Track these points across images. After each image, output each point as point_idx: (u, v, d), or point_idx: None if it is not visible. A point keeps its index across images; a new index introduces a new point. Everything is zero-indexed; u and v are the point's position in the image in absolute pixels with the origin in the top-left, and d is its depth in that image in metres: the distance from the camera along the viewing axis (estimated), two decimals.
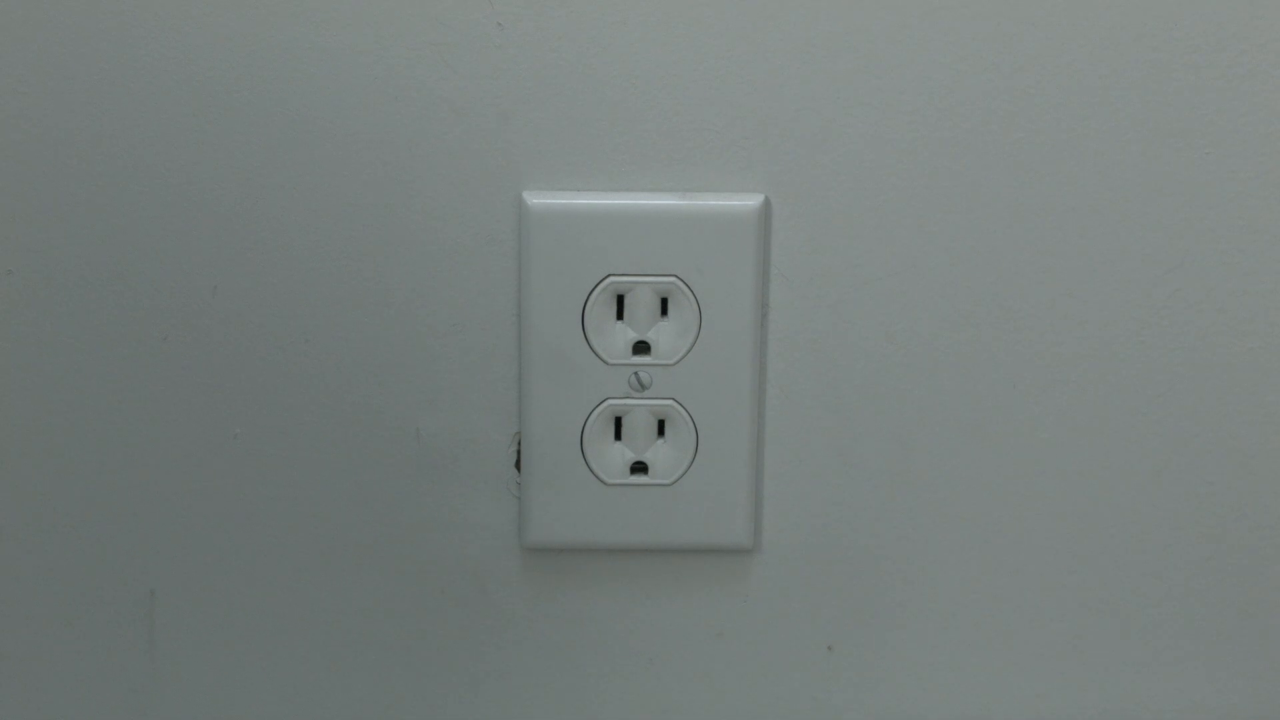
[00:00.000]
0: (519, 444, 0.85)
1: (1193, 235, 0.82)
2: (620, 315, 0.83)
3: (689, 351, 0.83)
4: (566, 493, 0.85)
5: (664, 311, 0.83)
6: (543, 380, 0.83)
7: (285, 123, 0.81)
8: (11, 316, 0.83)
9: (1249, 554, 0.87)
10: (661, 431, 0.84)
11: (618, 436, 0.84)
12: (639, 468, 0.85)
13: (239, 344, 0.83)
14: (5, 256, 0.82)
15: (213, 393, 0.84)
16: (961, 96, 0.81)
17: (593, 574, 0.87)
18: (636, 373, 0.83)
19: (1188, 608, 0.87)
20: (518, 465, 0.85)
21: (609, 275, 0.82)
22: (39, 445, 0.85)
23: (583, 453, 0.84)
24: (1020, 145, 0.81)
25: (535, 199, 0.81)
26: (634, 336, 0.83)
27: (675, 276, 0.82)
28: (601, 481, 0.84)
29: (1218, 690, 0.89)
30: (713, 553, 0.87)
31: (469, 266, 0.83)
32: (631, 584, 0.87)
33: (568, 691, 0.89)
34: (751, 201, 0.82)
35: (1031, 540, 0.86)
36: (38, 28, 0.79)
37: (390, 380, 0.84)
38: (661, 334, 0.83)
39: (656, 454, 0.84)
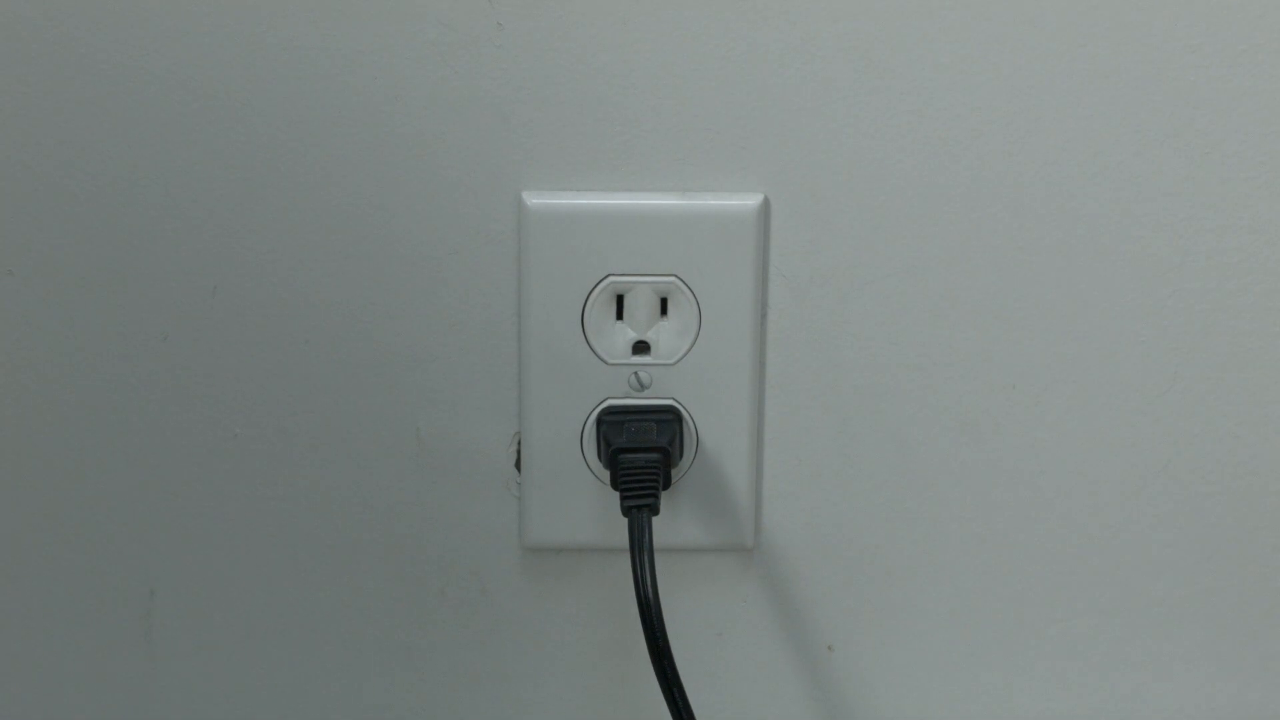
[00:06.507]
0: (519, 444, 0.85)
1: (1193, 235, 0.82)
2: (620, 315, 0.83)
3: (689, 351, 0.83)
4: (566, 493, 0.85)
5: (664, 311, 0.83)
6: (543, 380, 0.83)
7: (285, 123, 0.81)
8: (11, 316, 0.83)
9: (1249, 554, 0.87)
10: None
11: None
12: None
13: (239, 344, 0.83)
14: (5, 256, 0.82)
15: (213, 392, 0.84)
16: (961, 96, 0.80)
17: (593, 574, 0.87)
18: (636, 373, 0.83)
19: (1188, 608, 0.87)
20: (518, 465, 0.85)
21: (609, 275, 0.82)
22: (39, 445, 0.85)
23: (582, 453, 0.84)
24: (1020, 145, 0.81)
25: (535, 199, 0.81)
26: (634, 336, 0.83)
27: (675, 276, 0.82)
28: (601, 481, 0.84)
29: (1218, 690, 0.89)
30: (713, 553, 0.87)
31: (469, 266, 0.83)
32: (631, 584, 0.86)
33: (568, 691, 0.89)
34: (751, 201, 0.82)
35: (1031, 540, 0.86)
36: (38, 27, 0.79)
37: (390, 380, 0.84)
38: (661, 334, 0.83)
39: None
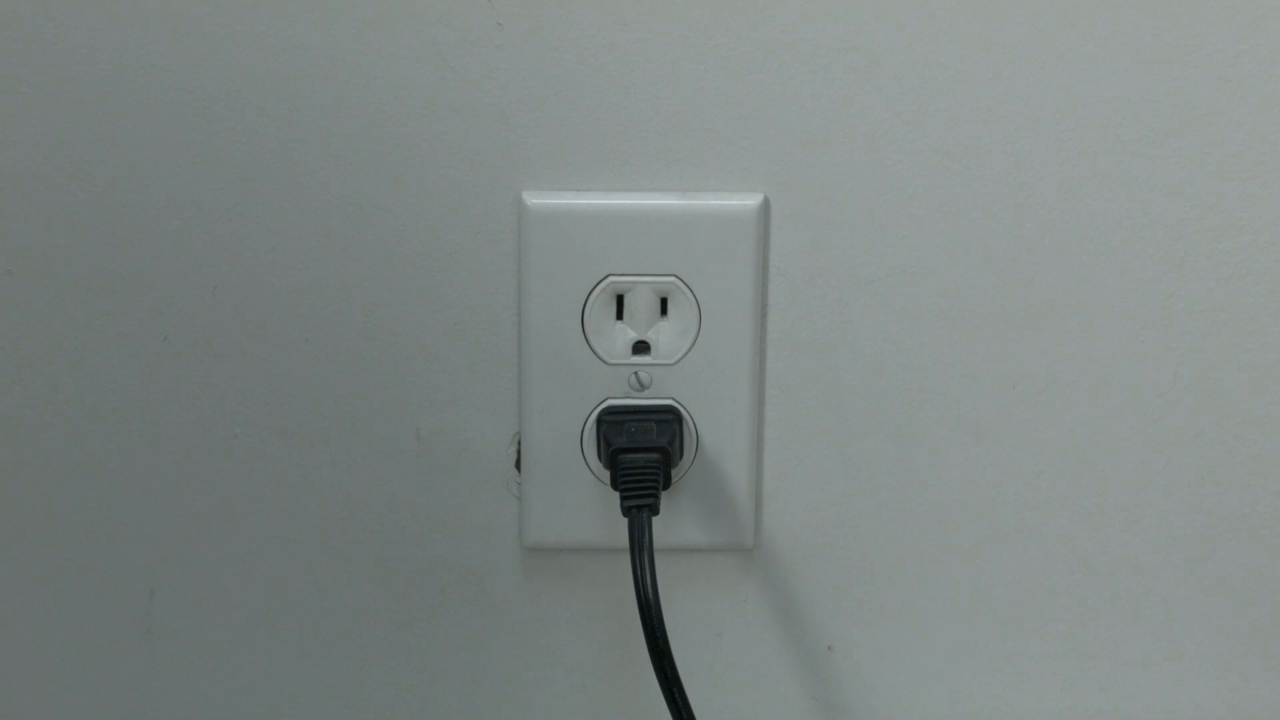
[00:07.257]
0: (519, 444, 0.85)
1: (1193, 235, 0.82)
2: (620, 315, 0.83)
3: (689, 351, 0.83)
4: (566, 493, 0.85)
5: (664, 311, 0.83)
6: (543, 380, 0.83)
7: (285, 122, 0.81)
8: (11, 316, 0.83)
9: (1249, 554, 0.87)
10: None
11: None
12: None
13: (239, 344, 0.83)
14: (5, 256, 0.82)
15: (213, 392, 0.84)
16: (961, 96, 0.80)
17: (593, 574, 0.87)
18: (636, 373, 0.83)
19: (1188, 608, 0.87)
20: (518, 465, 0.85)
21: (609, 275, 0.82)
22: (39, 445, 0.85)
23: (582, 453, 0.84)
24: (1020, 145, 0.81)
25: (535, 199, 0.81)
26: (634, 336, 0.83)
27: (675, 276, 0.82)
28: (601, 481, 0.84)
29: (1218, 690, 0.89)
30: (713, 553, 0.87)
31: (469, 266, 0.83)
32: (631, 584, 0.86)
33: (568, 691, 0.89)
34: (751, 201, 0.82)
35: (1031, 540, 0.86)
36: (37, 28, 0.79)
37: (390, 380, 0.84)
38: (661, 334, 0.83)
39: None
